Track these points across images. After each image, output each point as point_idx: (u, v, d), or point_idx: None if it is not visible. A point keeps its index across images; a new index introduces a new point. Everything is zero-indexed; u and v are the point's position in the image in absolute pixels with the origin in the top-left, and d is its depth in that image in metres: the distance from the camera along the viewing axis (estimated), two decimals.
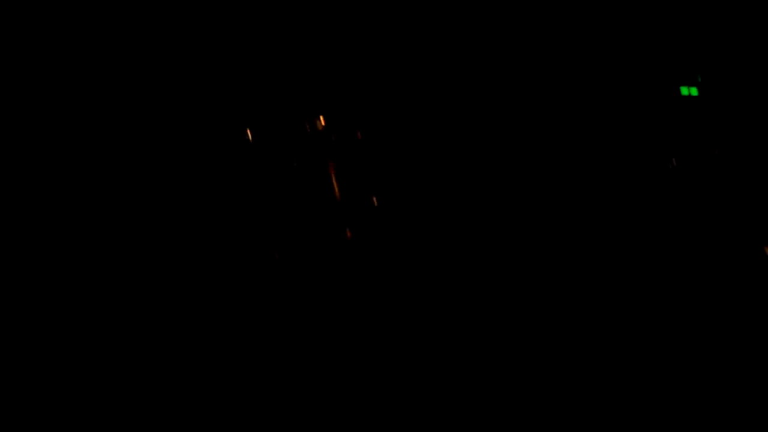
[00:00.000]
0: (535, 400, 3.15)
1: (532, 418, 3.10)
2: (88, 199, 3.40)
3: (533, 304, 3.32)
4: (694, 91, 3.37)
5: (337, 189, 3.54)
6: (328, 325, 3.38)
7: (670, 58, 3.40)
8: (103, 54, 3.47)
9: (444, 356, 3.28)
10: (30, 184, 3.34)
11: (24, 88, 3.39)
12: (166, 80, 3.52)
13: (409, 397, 3.22)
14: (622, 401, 3.08)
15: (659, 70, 3.41)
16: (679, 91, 3.40)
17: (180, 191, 3.49)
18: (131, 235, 3.40)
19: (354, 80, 3.59)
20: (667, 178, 3.34)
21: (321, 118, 3.58)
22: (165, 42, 3.52)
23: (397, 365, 3.28)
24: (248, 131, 3.55)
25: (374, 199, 3.51)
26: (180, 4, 3.50)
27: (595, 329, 3.26)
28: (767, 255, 3.25)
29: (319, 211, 3.51)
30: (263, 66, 3.57)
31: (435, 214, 3.47)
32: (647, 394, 3.07)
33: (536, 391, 3.15)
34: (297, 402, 3.24)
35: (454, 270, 3.40)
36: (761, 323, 3.18)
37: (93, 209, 3.41)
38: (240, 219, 3.49)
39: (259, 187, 3.52)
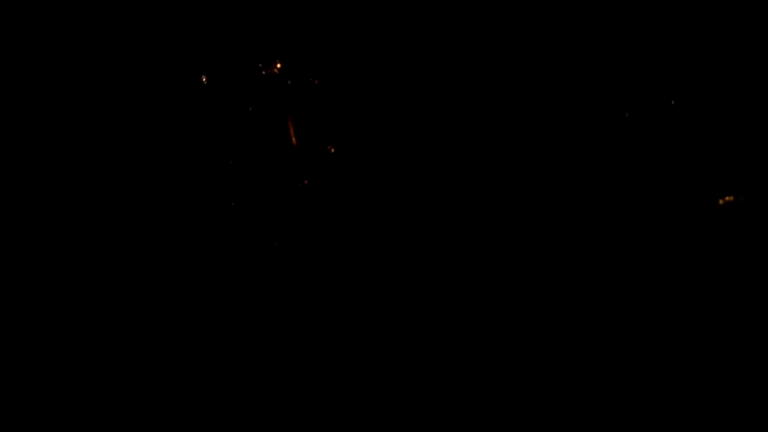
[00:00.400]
0: (522, 396, 3.18)
1: (519, 416, 3.14)
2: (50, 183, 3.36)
3: (501, 277, 3.34)
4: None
5: (293, 135, 3.50)
6: (284, 273, 3.39)
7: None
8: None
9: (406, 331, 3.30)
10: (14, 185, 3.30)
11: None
12: (121, 28, 3.44)
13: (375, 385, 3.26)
14: (614, 397, 3.12)
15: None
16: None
17: (137, 141, 3.45)
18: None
19: (312, 24, 3.51)
20: (621, 129, 3.32)
21: (277, 63, 3.51)
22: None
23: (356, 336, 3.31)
24: (203, 77, 3.48)
25: (331, 148, 3.48)
26: None
27: (571, 315, 3.28)
28: (721, 206, 3.26)
29: (275, 158, 3.48)
30: (218, 12, 3.48)
31: (393, 164, 3.44)
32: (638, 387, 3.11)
33: (521, 386, 3.19)
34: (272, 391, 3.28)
35: (412, 226, 3.40)
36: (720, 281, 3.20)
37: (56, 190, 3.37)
38: (194, 167, 3.46)
39: (212, 133, 3.48)
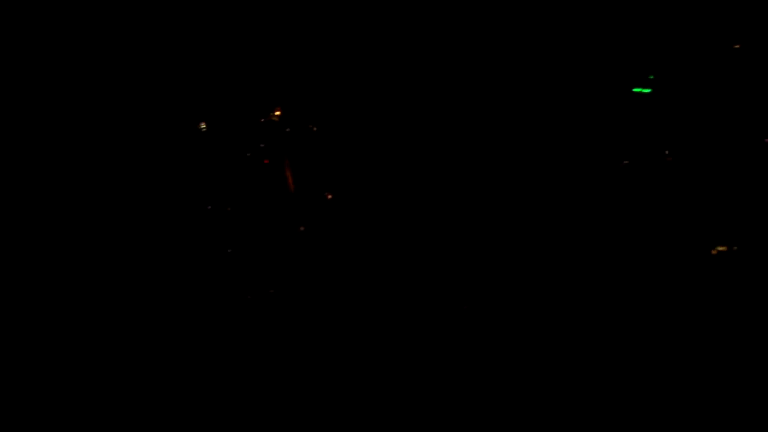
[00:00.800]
0: (506, 396, 3.18)
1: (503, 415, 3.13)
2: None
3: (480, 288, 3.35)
4: (646, 90, 3.38)
5: (291, 182, 3.52)
6: (279, 317, 3.38)
7: (623, 58, 3.40)
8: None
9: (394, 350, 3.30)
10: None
11: None
12: (124, 73, 3.48)
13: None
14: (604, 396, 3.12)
15: (612, 69, 3.41)
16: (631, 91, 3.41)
17: (134, 181, 3.46)
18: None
19: (311, 74, 3.56)
20: (621, 177, 3.36)
21: (276, 110, 3.55)
22: (126, 37, 3.47)
23: (349, 360, 3.30)
24: (203, 123, 3.52)
25: (328, 194, 3.51)
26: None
27: (554, 318, 3.29)
28: (714, 256, 3.29)
29: (273, 203, 3.50)
30: (220, 59, 3.53)
31: (388, 208, 3.46)
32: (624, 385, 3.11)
33: (503, 386, 3.19)
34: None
35: (405, 265, 3.41)
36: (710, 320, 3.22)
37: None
38: (192, 209, 3.47)
39: (213, 178, 3.50)
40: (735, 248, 3.26)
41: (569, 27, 3.46)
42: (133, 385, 3.18)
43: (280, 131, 3.54)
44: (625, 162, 3.35)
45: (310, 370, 3.26)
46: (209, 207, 3.47)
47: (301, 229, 3.47)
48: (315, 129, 3.54)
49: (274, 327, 3.37)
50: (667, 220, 3.32)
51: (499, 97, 3.45)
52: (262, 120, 3.54)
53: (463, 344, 3.29)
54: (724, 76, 3.33)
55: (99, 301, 3.31)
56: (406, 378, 3.23)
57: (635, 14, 3.40)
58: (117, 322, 3.30)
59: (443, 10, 3.48)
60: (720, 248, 3.27)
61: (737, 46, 3.30)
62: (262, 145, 3.53)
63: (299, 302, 3.41)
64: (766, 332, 3.16)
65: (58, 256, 3.33)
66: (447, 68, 3.48)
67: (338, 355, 3.30)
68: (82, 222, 3.37)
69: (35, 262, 3.30)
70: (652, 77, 3.39)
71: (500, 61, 3.45)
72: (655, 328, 3.24)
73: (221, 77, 3.53)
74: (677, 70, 3.38)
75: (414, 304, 3.36)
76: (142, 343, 3.27)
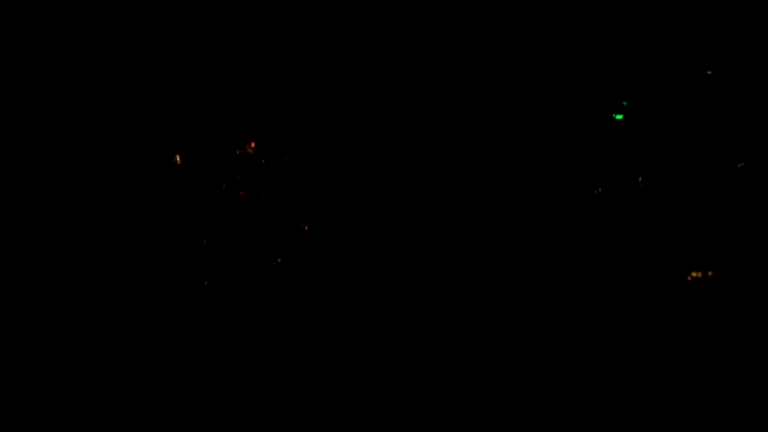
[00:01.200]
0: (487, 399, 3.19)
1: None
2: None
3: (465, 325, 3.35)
4: (618, 116, 3.39)
5: (267, 213, 3.52)
6: (256, 356, 3.38)
7: (598, 83, 3.41)
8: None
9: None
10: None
11: None
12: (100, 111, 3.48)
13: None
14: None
15: (588, 94, 3.42)
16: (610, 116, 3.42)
17: (108, 213, 3.46)
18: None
19: (285, 106, 3.57)
20: (596, 204, 3.37)
21: (252, 142, 3.55)
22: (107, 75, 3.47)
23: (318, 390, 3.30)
24: (177, 156, 3.51)
25: (305, 225, 3.51)
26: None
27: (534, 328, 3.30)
28: (690, 281, 3.29)
29: (248, 236, 3.50)
30: (194, 92, 3.54)
31: (368, 244, 3.47)
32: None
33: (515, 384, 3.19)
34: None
35: (385, 297, 3.41)
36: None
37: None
38: (168, 244, 3.46)
39: (188, 211, 3.50)
40: (710, 274, 3.27)
41: (547, 52, 3.47)
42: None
43: (256, 163, 3.54)
44: (600, 189, 3.36)
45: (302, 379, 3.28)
46: (184, 239, 3.46)
47: (278, 261, 3.47)
48: (290, 159, 3.55)
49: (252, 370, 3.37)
50: (642, 247, 3.33)
51: (467, 137, 3.46)
52: (238, 152, 3.54)
53: (456, 356, 3.29)
54: (698, 102, 3.35)
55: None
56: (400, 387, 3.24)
57: (611, 40, 3.41)
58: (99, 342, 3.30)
59: (418, 40, 3.49)
60: (695, 274, 3.28)
61: (709, 72, 3.32)
62: (237, 178, 3.53)
63: (279, 339, 3.41)
64: (742, 354, 3.18)
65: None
66: (425, 106, 3.49)
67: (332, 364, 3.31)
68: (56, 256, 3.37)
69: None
70: (625, 103, 3.40)
71: (471, 98, 3.46)
72: (634, 353, 3.25)
73: (197, 111, 3.53)
74: (651, 96, 3.39)
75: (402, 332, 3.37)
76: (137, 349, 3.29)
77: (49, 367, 3.27)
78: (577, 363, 3.26)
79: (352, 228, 3.48)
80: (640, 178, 3.33)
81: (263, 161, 3.54)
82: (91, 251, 3.37)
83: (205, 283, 3.43)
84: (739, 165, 3.27)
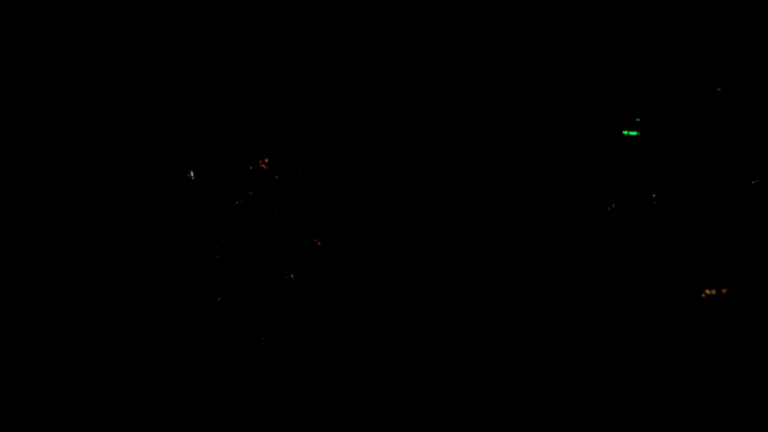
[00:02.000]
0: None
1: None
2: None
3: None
4: (632, 133, 3.39)
5: (280, 229, 3.54)
6: (269, 367, 3.39)
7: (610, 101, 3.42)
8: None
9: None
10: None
11: None
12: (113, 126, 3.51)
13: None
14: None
15: (599, 112, 3.43)
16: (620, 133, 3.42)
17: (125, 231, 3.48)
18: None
19: (298, 122, 3.59)
20: (607, 221, 3.37)
21: (265, 158, 3.57)
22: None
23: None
24: (191, 172, 3.54)
25: (317, 240, 3.52)
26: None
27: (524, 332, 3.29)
28: (704, 298, 3.28)
29: (261, 252, 3.51)
30: (208, 109, 3.56)
31: (378, 258, 3.48)
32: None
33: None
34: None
35: (397, 313, 3.42)
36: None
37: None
38: (182, 259, 3.48)
39: (202, 226, 3.52)
40: (724, 291, 3.26)
41: (556, 67, 3.48)
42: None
43: (269, 179, 3.56)
44: (612, 206, 3.36)
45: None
46: (198, 254, 3.48)
47: (291, 276, 3.48)
48: (300, 174, 3.56)
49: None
50: (655, 264, 3.32)
51: (474, 144, 3.48)
52: (251, 168, 3.56)
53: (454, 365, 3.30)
54: (712, 120, 3.34)
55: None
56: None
57: (622, 57, 3.42)
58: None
59: (411, 53, 3.52)
60: (708, 291, 3.27)
61: (719, 89, 3.32)
62: (250, 193, 3.55)
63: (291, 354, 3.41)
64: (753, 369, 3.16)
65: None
66: (418, 119, 3.51)
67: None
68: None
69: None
70: (638, 120, 3.40)
71: (478, 109, 3.48)
72: (644, 371, 3.24)
73: (211, 128, 3.55)
74: (665, 113, 3.39)
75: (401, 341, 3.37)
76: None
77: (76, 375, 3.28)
78: (588, 377, 3.25)
79: (365, 243, 3.49)
80: (654, 195, 3.32)
81: (276, 176, 3.56)
82: (108, 268, 3.39)
83: (218, 298, 3.44)
84: (754, 182, 3.27)
